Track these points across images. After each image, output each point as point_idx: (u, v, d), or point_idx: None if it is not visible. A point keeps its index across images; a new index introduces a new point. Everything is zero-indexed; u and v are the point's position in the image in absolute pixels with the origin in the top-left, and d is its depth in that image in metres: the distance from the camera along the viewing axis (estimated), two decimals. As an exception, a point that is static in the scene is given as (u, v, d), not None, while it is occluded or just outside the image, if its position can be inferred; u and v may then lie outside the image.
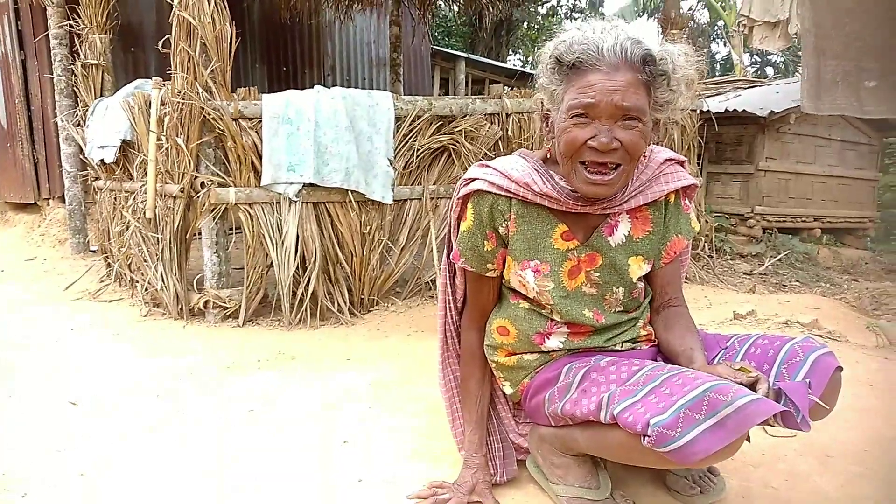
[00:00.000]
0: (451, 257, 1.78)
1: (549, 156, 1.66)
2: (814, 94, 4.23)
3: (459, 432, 1.88)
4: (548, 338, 1.70)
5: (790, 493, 1.77)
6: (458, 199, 1.69)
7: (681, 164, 1.72)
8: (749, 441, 1.39)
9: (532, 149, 1.76)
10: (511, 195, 1.61)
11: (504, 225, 1.65)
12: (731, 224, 6.27)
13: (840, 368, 1.44)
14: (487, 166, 1.66)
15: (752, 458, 1.92)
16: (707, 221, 5.40)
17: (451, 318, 1.89)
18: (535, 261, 1.64)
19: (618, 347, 1.70)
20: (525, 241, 1.64)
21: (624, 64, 1.42)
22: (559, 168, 1.58)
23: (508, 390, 1.80)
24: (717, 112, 5.99)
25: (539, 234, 1.64)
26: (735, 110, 6.13)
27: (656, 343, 1.75)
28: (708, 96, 6.46)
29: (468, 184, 1.66)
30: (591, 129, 1.44)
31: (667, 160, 1.68)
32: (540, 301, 1.67)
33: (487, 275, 1.72)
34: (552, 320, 1.68)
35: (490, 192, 1.62)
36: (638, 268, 1.67)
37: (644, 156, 1.63)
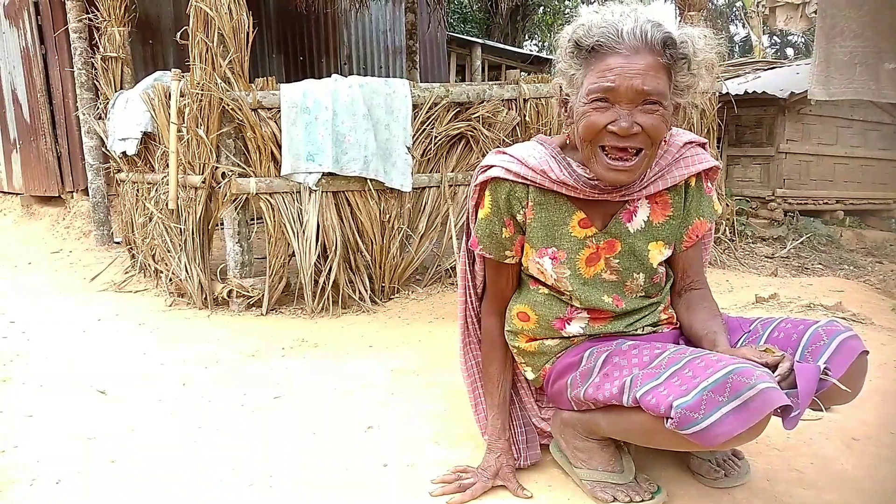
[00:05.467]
0: (469, 244, 1.79)
1: (567, 142, 1.65)
2: (823, 80, 4.12)
3: (482, 417, 1.89)
4: (568, 323, 1.70)
5: (816, 476, 1.77)
6: (476, 186, 1.70)
7: (702, 146, 1.70)
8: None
9: (550, 134, 1.75)
10: (528, 182, 1.61)
11: (521, 212, 1.65)
12: (751, 207, 6.20)
13: (866, 352, 1.42)
14: (504, 153, 1.66)
15: (777, 442, 1.92)
16: (728, 205, 5.35)
17: (472, 305, 1.89)
18: (553, 248, 1.64)
19: (639, 332, 1.69)
20: (542, 228, 1.64)
21: (644, 47, 1.41)
22: (578, 154, 1.57)
23: (530, 375, 1.81)
24: (737, 94, 5.92)
25: (556, 222, 1.64)
26: (755, 92, 6.05)
27: (678, 326, 1.75)
28: (727, 78, 6.36)
29: (485, 171, 1.66)
30: (611, 114, 1.43)
31: (687, 143, 1.67)
32: (558, 287, 1.67)
33: (506, 262, 1.72)
34: (572, 306, 1.68)
35: (507, 180, 1.62)
36: (658, 253, 1.67)
37: (664, 140, 1.61)
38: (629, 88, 1.40)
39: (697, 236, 1.72)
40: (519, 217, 1.65)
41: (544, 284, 1.71)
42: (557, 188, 1.60)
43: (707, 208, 1.72)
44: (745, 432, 1.27)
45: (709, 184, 1.72)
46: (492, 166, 1.64)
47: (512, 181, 1.62)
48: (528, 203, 1.64)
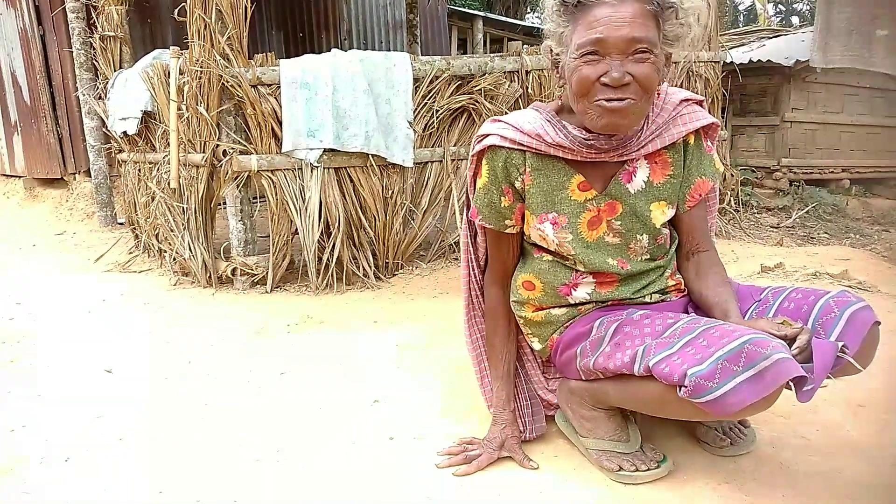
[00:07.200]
0: (469, 215, 1.78)
1: (562, 103, 1.63)
2: (822, 46, 4.04)
3: (488, 389, 1.90)
4: (574, 289, 1.69)
5: (821, 442, 1.77)
6: (473, 155, 1.69)
7: (699, 103, 1.67)
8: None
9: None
10: (524, 148, 1.60)
11: (520, 179, 1.63)
12: (756, 177, 6.15)
13: (878, 323, 1.41)
14: (500, 121, 1.65)
15: (782, 409, 1.91)
16: (732, 175, 5.32)
17: (475, 277, 1.89)
18: (553, 213, 1.63)
19: (647, 300, 1.68)
20: (542, 193, 1.63)
21: None
22: (573, 117, 1.56)
23: (537, 346, 1.80)
24: (741, 63, 5.85)
25: (555, 187, 1.63)
26: (759, 61, 5.97)
27: (686, 293, 1.74)
28: (732, 47, 6.29)
29: (482, 140, 1.65)
30: (602, 66, 1.41)
31: (683, 101, 1.64)
32: (562, 252, 1.66)
33: (507, 231, 1.71)
34: (577, 271, 1.68)
35: (503, 147, 1.61)
36: (661, 213, 1.65)
37: (658, 96, 1.60)
38: (618, 38, 1.38)
39: (700, 195, 1.70)
40: (517, 184, 1.64)
41: (548, 251, 1.70)
42: (554, 151, 1.58)
43: (708, 167, 1.69)
44: (759, 402, 1.27)
45: (708, 142, 1.69)
46: (488, 135, 1.63)
47: (508, 148, 1.61)
48: (525, 169, 1.62)
